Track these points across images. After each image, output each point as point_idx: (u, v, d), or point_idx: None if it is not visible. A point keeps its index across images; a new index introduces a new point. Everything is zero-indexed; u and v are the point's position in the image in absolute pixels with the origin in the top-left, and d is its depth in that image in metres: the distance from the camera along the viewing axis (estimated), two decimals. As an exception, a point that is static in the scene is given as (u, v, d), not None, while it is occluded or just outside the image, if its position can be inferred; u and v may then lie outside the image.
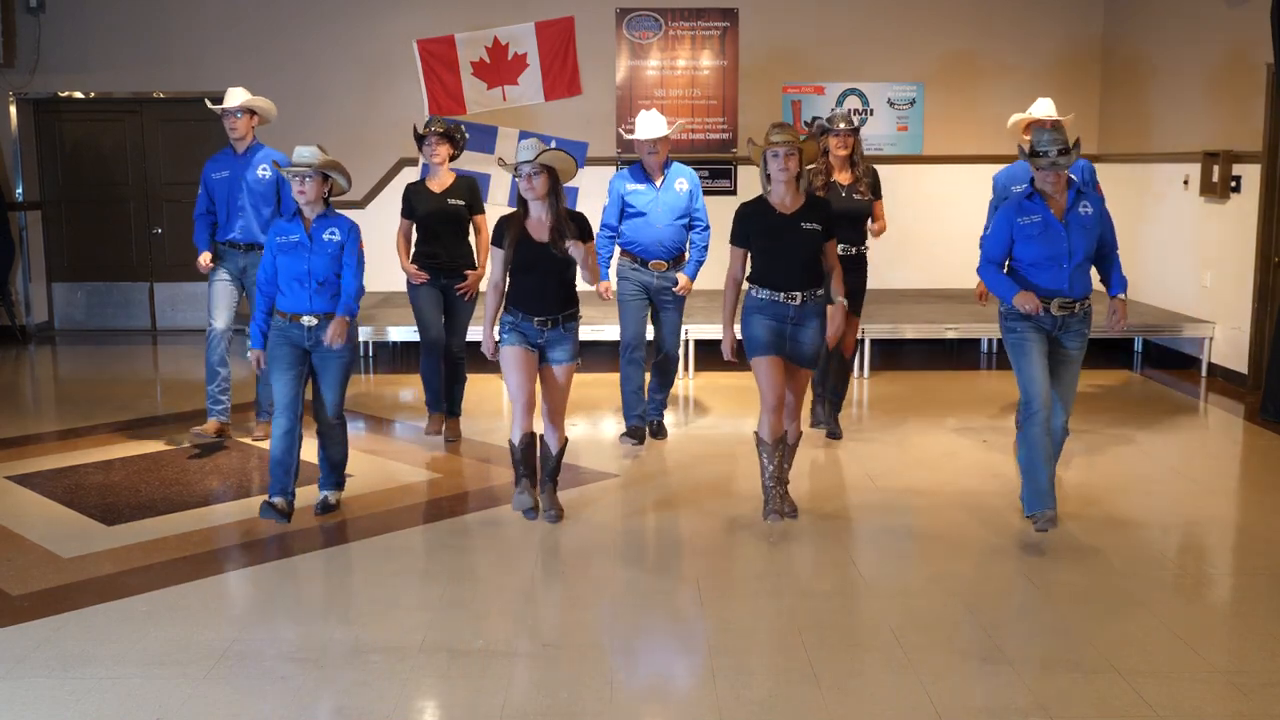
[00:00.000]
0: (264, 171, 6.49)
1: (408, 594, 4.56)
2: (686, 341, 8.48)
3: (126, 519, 5.36)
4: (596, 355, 8.82)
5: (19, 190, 10.41)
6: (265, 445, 6.45)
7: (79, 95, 10.38)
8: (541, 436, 5.29)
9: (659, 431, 6.80)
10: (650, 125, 6.36)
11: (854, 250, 6.36)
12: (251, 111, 6.56)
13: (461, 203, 6.48)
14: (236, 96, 6.49)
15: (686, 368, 8.51)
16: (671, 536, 5.31)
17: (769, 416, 5.14)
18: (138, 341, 10.46)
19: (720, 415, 7.62)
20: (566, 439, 5.35)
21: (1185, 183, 8.77)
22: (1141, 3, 9.67)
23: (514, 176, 5.11)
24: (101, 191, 10.66)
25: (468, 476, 6.16)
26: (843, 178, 6.36)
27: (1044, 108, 6.49)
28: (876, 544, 5.19)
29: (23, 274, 10.45)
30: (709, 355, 8.72)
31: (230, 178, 6.52)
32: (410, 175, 9.52)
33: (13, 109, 10.30)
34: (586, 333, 8.23)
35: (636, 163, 6.50)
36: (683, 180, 6.46)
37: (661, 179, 6.42)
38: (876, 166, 6.63)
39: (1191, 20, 8.79)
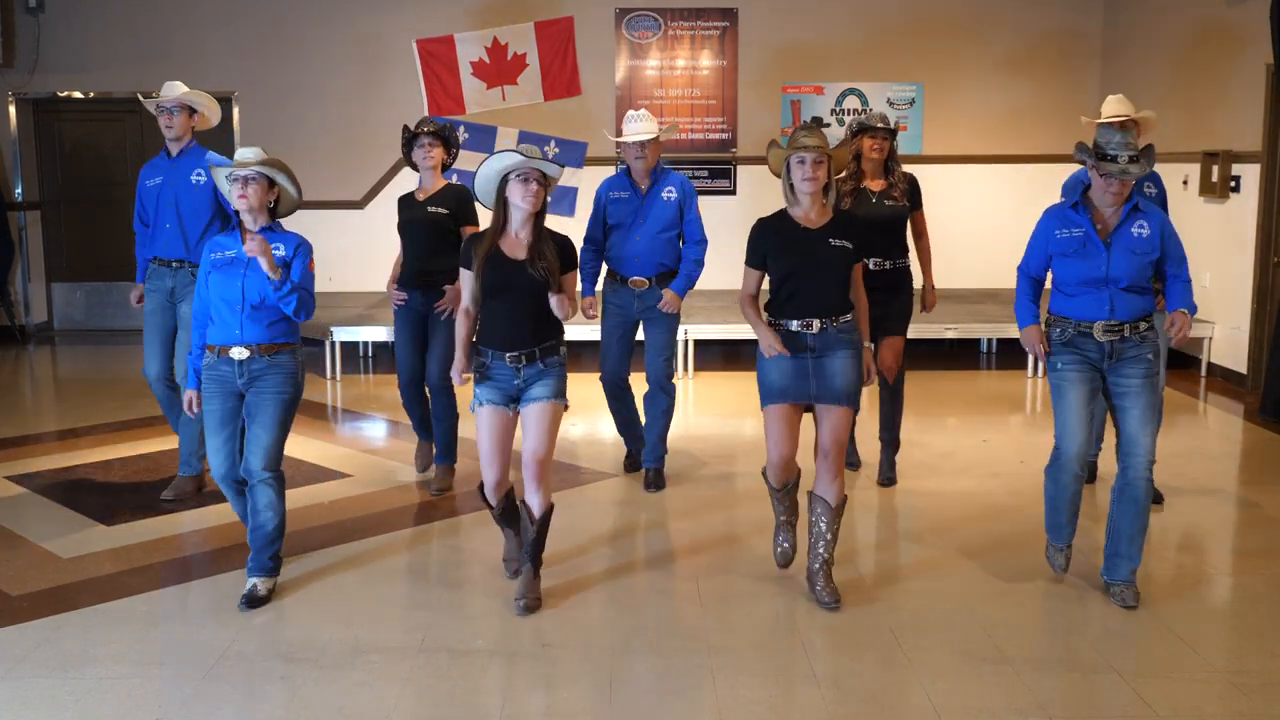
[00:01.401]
0: (199, 176, 5.58)
1: (407, 594, 4.56)
2: (686, 342, 8.48)
3: (126, 519, 5.36)
4: (597, 352, 8.79)
5: (18, 190, 10.41)
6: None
7: (78, 95, 10.38)
8: (522, 500, 4.41)
9: (656, 482, 5.92)
10: (637, 127, 5.69)
11: (888, 264, 5.70)
12: (190, 109, 5.72)
13: (444, 211, 5.67)
14: (173, 90, 5.68)
15: (686, 368, 8.51)
16: (671, 536, 5.31)
17: (775, 472, 4.53)
18: (137, 341, 10.36)
19: (720, 415, 7.61)
20: (552, 505, 4.38)
21: (1185, 183, 8.76)
22: (1141, 3, 9.67)
23: (511, 176, 4.29)
24: (101, 191, 10.65)
25: (467, 477, 6.15)
26: (874, 185, 5.73)
27: (1116, 106, 5.72)
28: (876, 543, 5.19)
29: (22, 274, 10.45)
30: (709, 355, 8.73)
31: (162, 184, 5.68)
32: (410, 175, 9.50)
33: (12, 109, 10.30)
34: (586, 331, 8.27)
35: (624, 168, 5.88)
36: (671, 190, 5.75)
37: (649, 186, 5.76)
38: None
39: (1191, 20, 8.79)
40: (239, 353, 4.40)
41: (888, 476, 5.97)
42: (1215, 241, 8.49)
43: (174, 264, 5.61)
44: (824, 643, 4.04)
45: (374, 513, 5.49)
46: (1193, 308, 4.37)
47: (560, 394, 4.34)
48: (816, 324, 4.34)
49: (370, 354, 9.58)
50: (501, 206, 4.33)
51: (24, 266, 10.46)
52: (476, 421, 4.38)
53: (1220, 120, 8.36)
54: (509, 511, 4.54)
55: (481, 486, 4.52)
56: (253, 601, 4.39)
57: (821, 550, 4.44)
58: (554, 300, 4.26)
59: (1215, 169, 8.30)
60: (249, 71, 9.95)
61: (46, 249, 10.72)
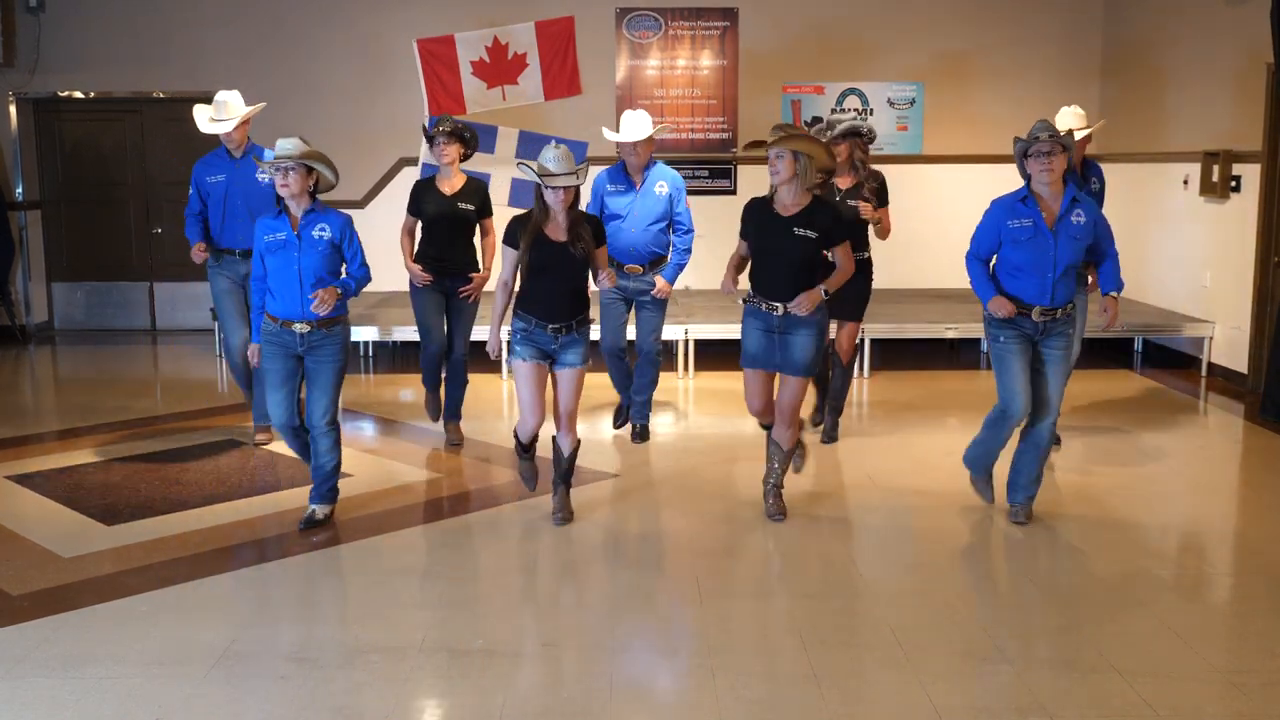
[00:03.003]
0: (263, 175, 6.05)
1: (408, 594, 4.56)
2: (686, 341, 8.48)
3: (126, 519, 5.36)
4: (594, 354, 8.81)
5: (19, 190, 10.41)
6: (270, 448, 6.56)
7: (79, 95, 10.38)
8: (554, 439, 5.25)
9: (642, 435, 6.67)
10: (632, 127, 6.22)
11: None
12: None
13: (471, 207, 6.31)
14: (229, 109, 6.22)
15: (686, 368, 8.51)
16: (671, 536, 5.31)
17: (756, 416, 5.45)
18: (138, 341, 10.46)
19: (719, 415, 7.61)
20: (579, 441, 5.26)
21: (1185, 183, 8.76)
22: (1142, 2, 9.67)
23: (544, 185, 4.93)
24: (101, 191, 10.66)
25: (468, 476, 6.16)
26: (842, 181, 6.19)
27: (1067, 120, 6.15)
28: (876, 543, 5.19)
29: (23, 274, 10.45)
30: (709, 355, 8.72)
31: (227, 182, 6.29)
32: (410, 175, 9.51)
33: (13, 109, 10.30)
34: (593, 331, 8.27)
35: (620, 162, 6.40)
36: (663, 184, 6.33)
37: (642, 182, 6.32)
38: (878, 167, 6.42)
39: (1191, 20, 8.79)
40: (301, 327, 5.04)
41: (831, 436, 6.63)
42: (1215, 241, 8.49)
43: (243, 255, 6.25)
44: (824, 643, 4.04)
45: (374, 512, 5.49)
46: (1120, 285, 5.13)
47: (587, 359, 5.17)
48: (780, 308, 5.00)
49: (370, 354, 9.58)
50: (541, 200, 5.03)
51: (24, 266, 10.45)
52: (515, 374, 5.15)
53: (1220, 120, 8.36)
54: (532, 444, 5.31)
55: (516, 434, 5.27)
56: (310, 523, 5.18)
57: (771, 478, 5.33)
58: (602, 276, 5.21)
59: (1215, 169, 8.30)
60: (249, 71, 9.93)
61: (47, 248, 10.71)
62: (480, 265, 6.47)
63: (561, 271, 5.02)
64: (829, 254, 5.17)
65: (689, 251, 6.41)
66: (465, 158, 6.37)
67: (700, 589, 4.54)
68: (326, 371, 5.11)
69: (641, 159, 6.28)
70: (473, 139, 6.38)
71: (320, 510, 5.24)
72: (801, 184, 4.96)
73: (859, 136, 6.21)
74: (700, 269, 9.92)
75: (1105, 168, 6.58)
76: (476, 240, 6.50)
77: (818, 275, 5.05)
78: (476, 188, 6.39)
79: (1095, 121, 6.44)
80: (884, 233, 6.30)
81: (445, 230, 6.30)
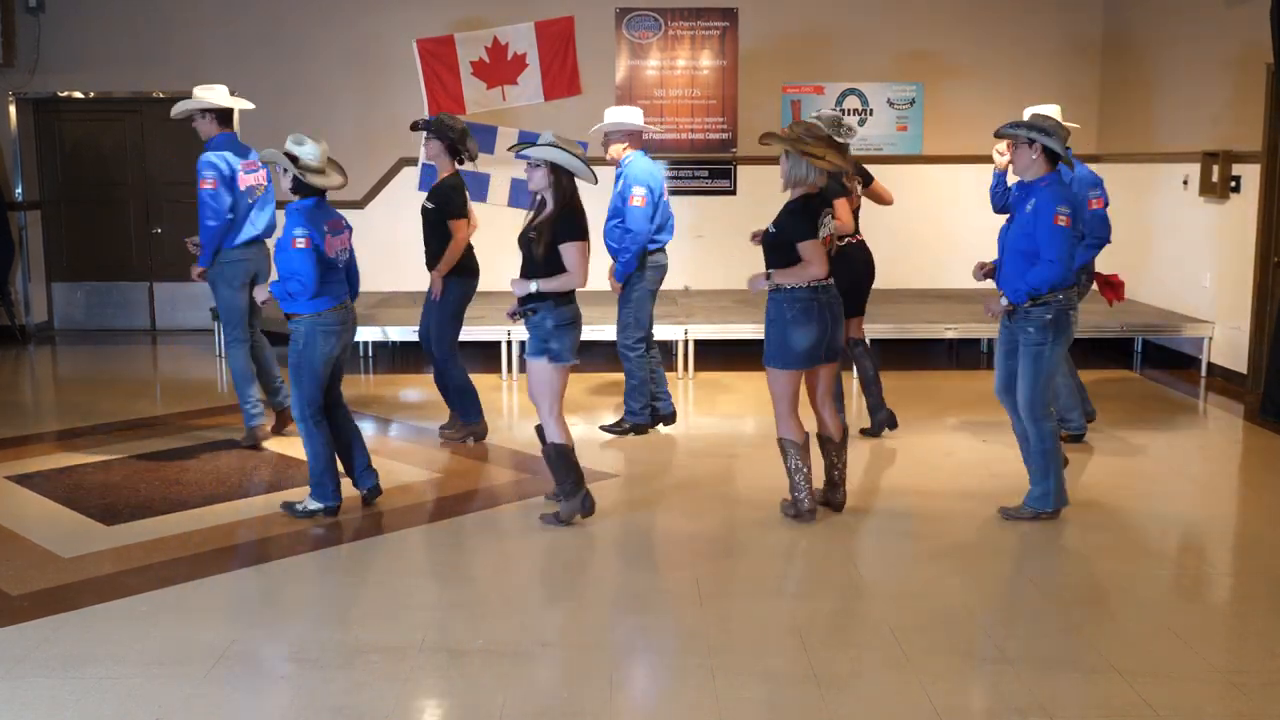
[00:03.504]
0: (205, 176, 6.23)
1: (408, 594, 4.56)
2: (686, 341, 8.47)
3: (126, 519, 5.36)
4: (593, 355, 8.80)
5: (19, 190, 10.40)
6: (270, 448, 6.57)
7: (78, 95, 10.37)
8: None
9: (620, 429, 6.76)
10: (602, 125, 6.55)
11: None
12: (203, 112, 6.26)
13: (431, 205, 6.30)
14: (195, 99, 6.25)
15: (686, 367, 8.51)
16: (671, 536, 5.31)
17: None
18: (138, 341, 10.45)
19: (720, 415, 7.61)
20: (553, 444, 5.05)
21: (1185, 183, 8.76)
22: (1141, 3, 9.67)
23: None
24: (101, 191, 10.65)
25: (468, 476, 6.15)
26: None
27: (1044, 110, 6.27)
28: (876, 543, 5.19)
29: (22, 274, 10.44)
30: (709, 355, 8.72)
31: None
32: (410, 175, 9.52)
33: (12, 109, 10.29)
34: (587, 332, 8.23)
35: None
36: (622, 180, 6.44)
37: (616, 176, 6.53)
38: (873, 167, 6.34)
39: (1191, 20, 8.79)
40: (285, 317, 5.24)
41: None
42: (1215, 241, 8.48)
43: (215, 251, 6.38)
44: (824, 643, 4.04)
45: (374, 512, 5.49)
46: (1021, 289, 4.95)
47: (536, 352, 5.01)
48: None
49: (370, 354, 9.58)
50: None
51: (24, 266, 10.45)
52: None
53: (1220, 120, 8.36)
54: (554, 456, 5.12)
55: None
56: (307, 513, 5.29)
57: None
58: (516, 280, 5.01)
59: (1215, 169, 8.30)
60: (249, 71, 9.93)
61: (47, 249, 10.70)
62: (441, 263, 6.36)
63: (523, 258, 5.08)
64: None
65: (628, 251, 6.34)
66: (464, 159, 6.35)
67: (700, 589, 4.54)
68: (290, 363, 5.21)
69: (613, 152, 6.50)
70: (451, 134, 6.23)
71: (310, 504, 5.32)
72: (789, 180, 5.11)
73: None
74: (700, 269, 9.94)
75: (1105, 168, 6.61)
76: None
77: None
78: (444, 185, 6.30)
79: (1069, 121, 6.44)
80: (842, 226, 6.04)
81: (423, 226, 6.39)
